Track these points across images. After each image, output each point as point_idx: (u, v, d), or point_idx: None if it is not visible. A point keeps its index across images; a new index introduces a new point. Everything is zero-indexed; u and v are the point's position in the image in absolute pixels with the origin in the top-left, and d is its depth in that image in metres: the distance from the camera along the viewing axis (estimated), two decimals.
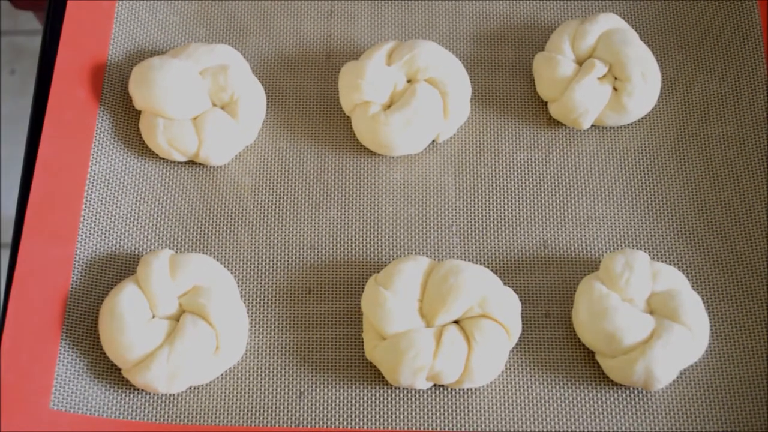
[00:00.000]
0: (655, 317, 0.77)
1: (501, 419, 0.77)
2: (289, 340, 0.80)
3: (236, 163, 0.87)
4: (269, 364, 0.79)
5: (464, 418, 0.77)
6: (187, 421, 0.76)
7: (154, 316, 0.78)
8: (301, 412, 0.77)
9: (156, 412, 0.77)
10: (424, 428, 0.76)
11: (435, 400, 0.77)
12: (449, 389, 0.78)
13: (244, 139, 0.87)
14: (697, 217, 0.84)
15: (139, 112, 0.88)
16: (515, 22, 0.94)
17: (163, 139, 0.85)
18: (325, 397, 0.77)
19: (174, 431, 0.76)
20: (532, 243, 0.84)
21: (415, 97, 0.85)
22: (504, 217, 0.85)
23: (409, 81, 0.88)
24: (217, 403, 0.77)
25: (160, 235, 0.84)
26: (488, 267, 0.82)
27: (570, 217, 0.85)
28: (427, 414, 0.77)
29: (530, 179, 0.87)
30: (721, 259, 0.82)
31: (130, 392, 0.77)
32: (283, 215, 0.85)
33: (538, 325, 0.80)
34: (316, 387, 0.78)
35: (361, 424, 0.76)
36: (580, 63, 0.88)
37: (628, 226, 0.84)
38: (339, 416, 0.77)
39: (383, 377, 0.78)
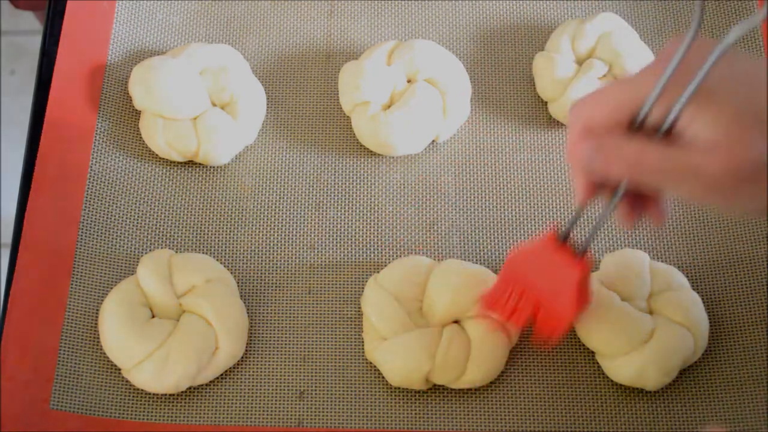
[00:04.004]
0: (655, 317, 0.77)
1: (501, 419, 0.77)
2: (289, 340, 0.80)
3: (236, 163, 0.87)
4: (269, 364, 0.79)
5: (464, 418, 0.77)
6: (187, 421, 0.76)
7: (154, 316, 0.78)
8: (301, 412, 0.77)
9: (156, 412, 0.77)
10: (424, 428, 0.76)
11: (435, 400, 0.77)
12: (449, 389, 0.78)
13: (244, 139, 0.87)
14: (697, 217, 0.84)
15: (139, 112, 0.88)
16: (515, 22, 0.94)
17: (162, 140, 0.85)
18: (325, 397, 0.77)
19: (174, 431, 0.76)
20: None
21: (414, 97, 0.85)
22: (504, 217, 0.85)
23: (409, 81, 0.88)
24: (217, 403, 0.77)
25: (160, 235, 0.84)
26: (488, 267, 0.81)
27: (570, 217, 0.85)
28: (427, 414, 0.77)
29: (530, 179, 0.86)
30: (721, 259, 0.82)
31: (130, 392, 0.77)
32: (283, 215, 0.85)
33: None
34: (316, 387, 0.78)
35: (361, 424, 0.76)
36: (580, 63, 0.88)
37: None
38: (339, 416, 0.77)
39: (383, 377, 0.78)
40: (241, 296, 0.81)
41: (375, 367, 0.78)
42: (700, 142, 0.55)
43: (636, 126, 0.58)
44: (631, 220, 0.65)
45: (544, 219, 0.85)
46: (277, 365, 0.79)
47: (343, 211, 0.85)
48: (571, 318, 0.73)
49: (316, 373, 0.78)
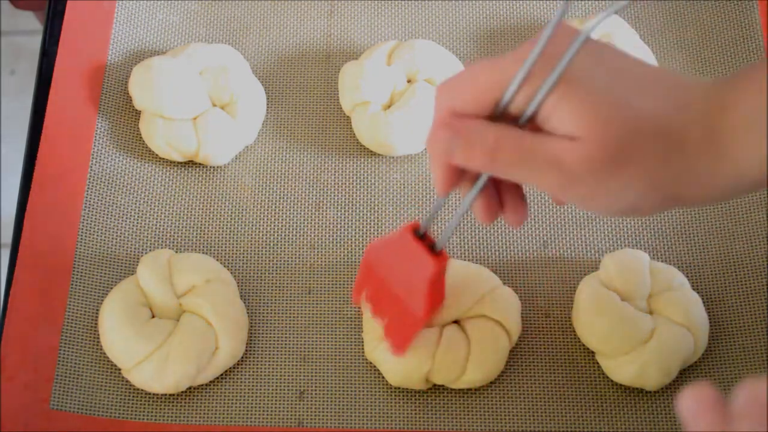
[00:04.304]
0: (655, 317, 0.77)
1: (501, 419, 0.77)
2: (289, 340, 0.80)
3: (236, 163, 0.87)
4: (269, 364, 0.79)
5: (464, 419, 0.77)
6: (187, 421, 0.76)
7: (154, 316, 0.78)
8: (301, 412, 0.77)
9: (156, 412, 0.77)
10: (424, 428, 0.76)
11: (435, 400, 0.77)
12: (449, 389, 0.78)
13: (244, 139, 0.87)
14: (697, 217, 0.84)
15: (139, 112, 0.88)
16: (515, 22, 0.94)
17: (162, 140, 0.85)
18: (325, 397, 0.77)
19: (174, 431, 0.76)
20: (532, 243, 0.84)
21: (414, 97, 0.85)
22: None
23: (409, 81, 0.88)
24: (217, 403, 0.77)
25: (160, 235, 0.84)
26: (488, 267, 0.81)
27: (570, 217, 0.85)
28: (427, 414, 0.77)
29: None
30: (721, 259, 0.82)
31: (130, 392, 0.77)
32: (283, 215, 0.85)
33: (538, 325, 0.80)
34: (316, 387, 0.78)
35: (361, 424, 0.76)
36: None
37: (628, 226, 0.84)
38: (339, 416, 0.77)
39: (383, 377, 0.78)
40: (241, 296, 0.81)
41: (375, 367, 0.78)
42: (561, 131, 0.54)
43: (499, 112, 0.56)
44: (489, 215, 0.62)
45: (543, 219, 0.85)
46: (277, 365, 0.79)
47: (343, 211, 0.85)
48: (421, 319, 0.70)
49: (316, 373, 0.78)
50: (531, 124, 0.56)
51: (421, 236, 0.67)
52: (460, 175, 0.60)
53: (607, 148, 0.53)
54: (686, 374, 0.78)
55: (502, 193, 0.63)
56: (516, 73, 0.55)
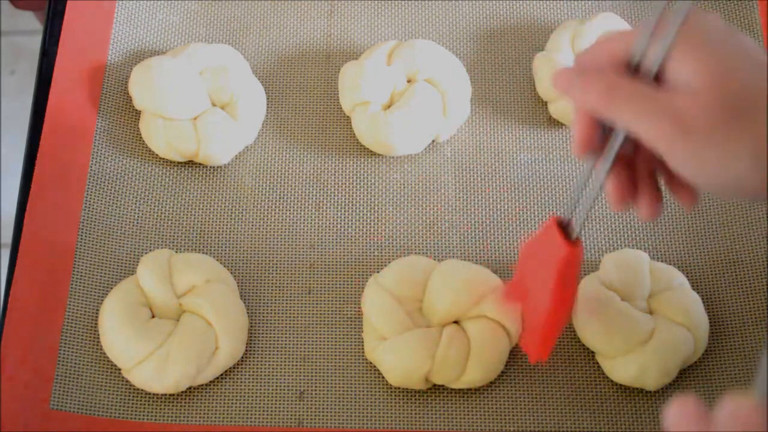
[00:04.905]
0: (655, 317, 0.77)
1: (501, 419, 0.77)
2: (289, 340, 0.80)
3: (236, 163, 0.87)
4: (269, 364, 0.79)
5: (464, 418, 0.77)
6: (187, 421, 0.76)
7: (154, 316, 0.78)
8: (301, 412, 0.77)
9: (156, 412, 0.77)
10: (424, 428, 0.76)
11: (435, 400, 0.77)
12: (449, 389, 0.78)
13: (244, 139, 0.87)
14: (697, 217, 0.84)
15: (139, 112, 0.88)
16: (515, 22, 0.94)
17: (162, 140, 0.85)
18: (325, 397, 0.77)
19: (174, 431, 0.76)
20: None
21: (414, 97, 0.85)
22: (504, 217, 0.85)
23: (409, 81, 0.88)
24: (217, 403, 0.77)
25: (160, 235, 0.84)
26: (488, 267, 0.81)
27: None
28: (427, 414, 0.77)
29: (530, 179, 0.87)
30: (721, 259, 0.82)
31: (130, 392, 0.77)
32: (283, 215, 0.85)
33: None
34: (316, 387, 0.78)
35: (361, 424, 0.76)
36: None
37: (628, 226, 0.84)
38: (339, 416, 0.77)
39: (383, 377, 0.78)
40: (241, 296, 0.81)
41: (375, 367, 0.78)
42: (681, 85, 0.56)
43: (631, 72, 0.59)
44: (620, 199, 0.63)
45: (543, 219, 0.85)
46: (277, 365, 0.79)
47: (343, 211, 0.85)
48: (548, 311, 0.69)
49: (316, 373, 0.78)
50: (658, 82, 0.58)
51: (566, 226, 0.67)
52: (595, 131, 0.61)
53: (723, 103, 0.55)
54: (686, 374, 0.78)
55: (637, 183, 0.64)
56: (642, 32, 0.58)
